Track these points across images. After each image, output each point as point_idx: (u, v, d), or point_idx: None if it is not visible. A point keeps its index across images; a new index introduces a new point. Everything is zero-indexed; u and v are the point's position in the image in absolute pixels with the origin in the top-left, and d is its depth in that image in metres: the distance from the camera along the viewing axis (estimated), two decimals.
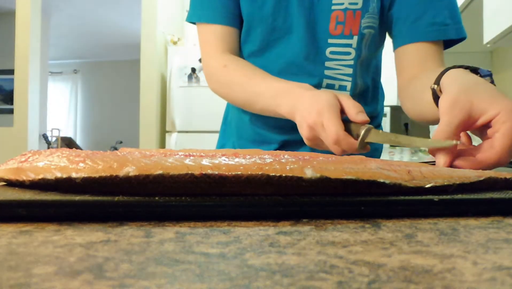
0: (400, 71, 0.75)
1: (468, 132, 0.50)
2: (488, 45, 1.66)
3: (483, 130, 0.47)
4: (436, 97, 0.53)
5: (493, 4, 1.56)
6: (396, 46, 0.75)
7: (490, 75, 0.52)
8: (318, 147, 0.58)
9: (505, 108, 0.43)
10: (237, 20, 0.79)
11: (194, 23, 0.83)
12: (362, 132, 0.51)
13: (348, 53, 0.75)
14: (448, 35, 0.71)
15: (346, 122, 0.54)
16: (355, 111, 0.53)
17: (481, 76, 0.51)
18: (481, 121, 0.45)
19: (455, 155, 0.45)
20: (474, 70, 0.52)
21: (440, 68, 0.68)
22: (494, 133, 0.44)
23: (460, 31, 0.71)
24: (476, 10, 1.73)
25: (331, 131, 0.52)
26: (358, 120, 0.52)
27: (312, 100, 0.56)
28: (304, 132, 0.57)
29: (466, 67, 0.53)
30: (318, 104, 0.55)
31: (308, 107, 0.56)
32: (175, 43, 3.42)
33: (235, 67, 0.74)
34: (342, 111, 0.55)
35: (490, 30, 1.58)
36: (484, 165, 0.43)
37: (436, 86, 0.53)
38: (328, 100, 0.54)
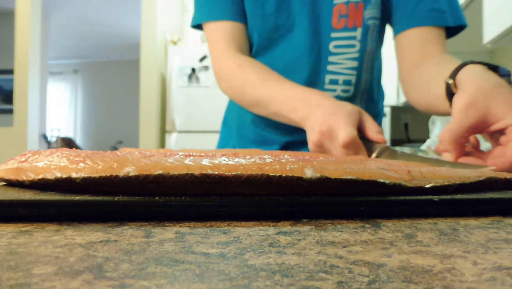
0: (401, 58, 0.74)
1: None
2: (488, 45, 1.65)
3: (493, 135, 0.46)
4: (449, 92, 0.51)
5: (493, 4, 1.56)
6: (396, 32, 0.75)
7: (509, 74, 0.50)
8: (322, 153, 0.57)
9: None
10: (245, 16, 0.78)
11: (198, 27, 0.82)
12: (378, 149, 0.50)
13: (353, 46, 0.75)
14: (446, 22, 0.70)
15: (362, 139, 0.53)
16: (376, 130, 0.52)
17: (500, 75, 0.50)
18: (495, 127, 0.44)
19: (461, 155, 0.45)
20: (493, 68, 0.50)
21: (443, 55, 0.67)
22: (508, 142, 0.43)
23: (458, 19, 0.71)
24: (476, 10, 1.73)
25: (342, 134, 0.50)
26: (376, 139, 0.51)
27: (334, 109, 0.55)
28: (314, 136, 0.55)
29: (485, 64, 0.51)
30: (337, 113, 0.53)
31: (326, 114, 0.54)
32: (175, 43, 3.42)
33: (250, 67, 0.73)
34: (359, 130, 0.54)
35: (490, 30, 1.58)
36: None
37: (451, 80, 0.51)
38: (349, 110, 0.53)
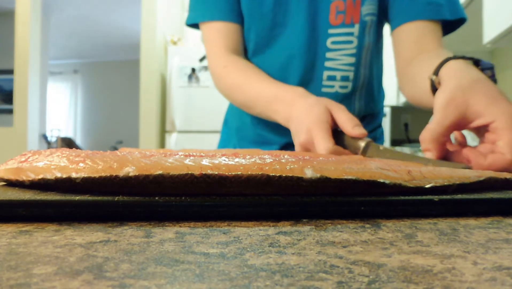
0: (397, 52, 0.74)
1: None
2: (488, 45, 1.65)
3: (479, 130, 0.46)
4: (434, 88, 0.51)
5: (493, 4, 1.56)
6: (393, 27, 0.75)
7: (491, 68, 0.50)
8: None
9: (502, 114, 0.42)
10: (240, 16, 0.78)
11: (194, 26, 0.83)
12: (362, 146, 0.50)
13: (350, 42, 0.75)
14: (443, 15, 0.70)
15: (343, 134, 0.53)
16: (351, 125, 0.52)
17: (482, 69, 0.49)
18: (475, 124, 0.44)
19: (443, 153, 0.45)
20: (476, 62, 0.50)
21: (439, 50, 0.67)
22: (496, 141, 0.42)
23: (455, 12, 0.71)
24: (476, 10, 1.74)
25: (320, 149, 0.51)
26: (355, 135, 0.51)
27: (304, 114, 0.56)
28: (297, 148, 0.57)
29: (468, 58, 0.51)
30: (308, 121, 0.54)
31: (299, 124, 0.56)
32: (175, 43, 3.42)
33: (234, 68, 0.74)
34: (337, 124, 0.54)
35: (490, 30, 1.58)
36: (493, 169, 0.41)
37: (434, 77, 0.51)
38: (318, 116, 0.53)
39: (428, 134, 0.44)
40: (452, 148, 0.46)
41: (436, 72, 0.51)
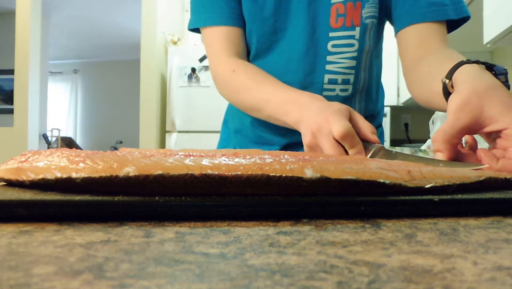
0: (403, 53, 0.74)
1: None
2: (488, 45, 1.65)
3: (491, 135, 0.46)
4: (446, 92, 0.51)
5: (493, 4, 1.56)
6: (397, 30, 0.74)
7: (505, 73, 0.50)
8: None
9: None
10: (242, 21, 0.78)
11: (197, 31, 0.82)
12: (373, 149, 0.50)
13: (351, 45, 0.75)
14: (448, 15, 0.70)
15: None
16: (371, 130, 0.52)
17: (496, 74, 0.50)
18: (488, 129, 0.44)
19: (454, 156, 0.45)
20: (489, 67, 0.50)
21: (445, 49, 0.67)
22: (508, 147, 0.43)
23: (460, 11, 0.70)
24: (476, 10, 1.73)
25: (336, 127, 0.49)
26: (372, 139, 0.51)
27: (322, 108, 0.55)
28: (306, 138, 0.55)
29: (482, 63, 0.51)
30: (326, 112, 0.53)
31: (316, 115, 0.54)
32: (175, 43, 3.42)
33: (244, 72, 0.73)
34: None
35: (490, 30, 1.58)
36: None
37: (447, 81, 0.51)
38: (339, 108, 0.53)
39: (440, 135, 0.44)
40: (463, 150, 0.46)
41: (449, 76, 0.51)
